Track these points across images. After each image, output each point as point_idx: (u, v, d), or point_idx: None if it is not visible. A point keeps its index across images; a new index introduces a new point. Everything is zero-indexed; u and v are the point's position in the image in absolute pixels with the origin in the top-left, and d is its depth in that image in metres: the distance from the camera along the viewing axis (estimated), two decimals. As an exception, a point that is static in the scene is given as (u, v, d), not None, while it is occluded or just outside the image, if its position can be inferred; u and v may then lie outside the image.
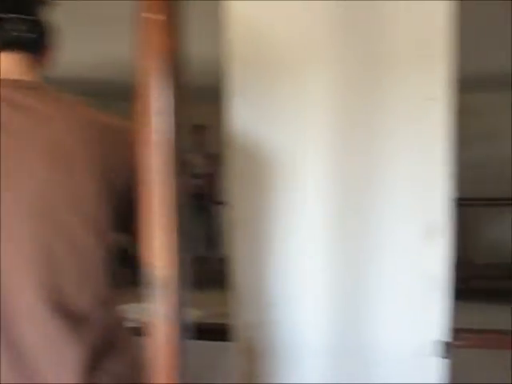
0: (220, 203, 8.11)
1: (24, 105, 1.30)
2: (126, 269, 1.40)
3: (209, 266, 7.29)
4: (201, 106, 5.90)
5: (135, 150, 0.87)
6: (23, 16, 1.35)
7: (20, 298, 1.24)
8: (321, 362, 2.00)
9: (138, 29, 0.79)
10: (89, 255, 1.29)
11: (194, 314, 2.04)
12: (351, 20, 1.90)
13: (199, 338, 2.18)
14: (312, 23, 1.91)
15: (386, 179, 1.92)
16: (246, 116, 1.92)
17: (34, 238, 1.24)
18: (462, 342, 1.91)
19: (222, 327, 2.04)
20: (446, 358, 1.90)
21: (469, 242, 7.17)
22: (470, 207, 7.28)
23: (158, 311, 0.78)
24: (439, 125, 1.90)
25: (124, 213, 1.30)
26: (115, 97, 6.10)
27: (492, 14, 4.04)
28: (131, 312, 1.53)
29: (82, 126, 1.31)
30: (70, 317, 1.26)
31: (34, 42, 1.40)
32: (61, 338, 1.25)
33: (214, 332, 2.05)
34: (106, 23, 4.57)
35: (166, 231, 0.76)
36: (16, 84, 1.34)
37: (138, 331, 1.21)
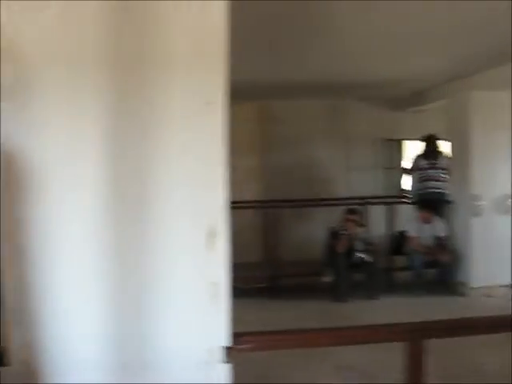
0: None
1: None
2: None
3: None
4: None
5: None
6: None
7: None
8: (102, 377, 1.90)
9: None
10: None
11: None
12: (127, 22, 1.83)
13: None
14: (84, 24, 1.81)
15: (164, 185, 1.87)
16: (12, 122, 1.77)
17: None
18: (243, 345, 1.93)
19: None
20: (227, 362, 1.91)
21: (279, 241, 7.46)
22: (278, 209, 7.58)
23: None
24: (217, 129, 1.89)
25: None
26: None
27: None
28: None
29: None
30: None
31: None
32: None
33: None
34: None
35: None
36: None
37: None
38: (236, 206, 7.86)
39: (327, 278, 6.93)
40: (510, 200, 7.01)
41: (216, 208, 1.90)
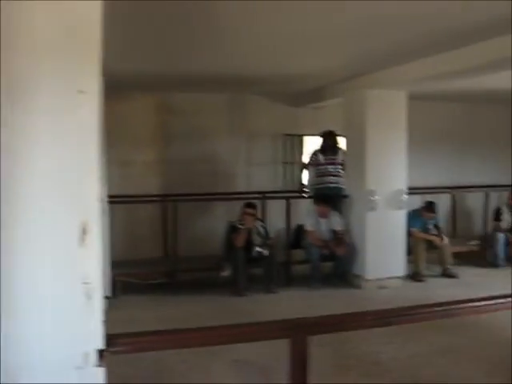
0: None
1: None
2: None
3: None
4: None
5: None
6: None
7: None
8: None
9: None
10: None
11: None
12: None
13: None
14: None
15: (32, 180, 1.74)
16: None
17: None
18: (118, 347, 1.83)
19: None
20: (100, 366, 1.80)
21: (179, 236, 7.34)
22: (179, 203, 7.46)
23: None
24: (89, 120, 1.78)
25: None
26: None
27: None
28: None
29: None
30: None
31: None
32: None
33: None
34: None
35: None
36: None
37: None
38: (134, 200, 7.75)
39: (226, 273, 6.90)
40: (403, 195, 7.27)
41: (88, 204, 1.79)
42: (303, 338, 2.10)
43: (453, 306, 2.64)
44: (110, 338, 1.83)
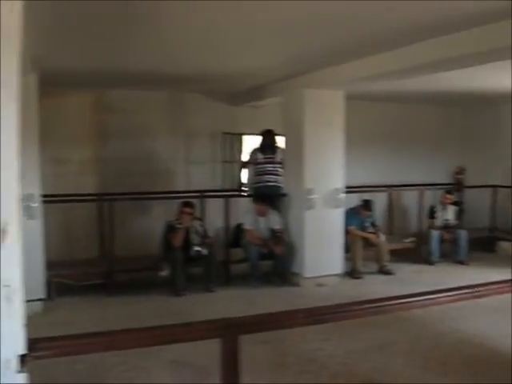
0: None
1: None
2: None
3: None
4: None
5: None
6: None
7: None
8: None
9: None
10: None
11: None
12: None
13: None
14: None
15: None
16: None
17: None
18: (41, 352, 1.76)
19: None
20: (22, 372, 1.73)
21: (117, 236, 7.16)
22: (115, 201, 7.28)
23: None
24: (8, 116, 1.69)
25: None
26: None
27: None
28: None
29: None
30: None
31: None
32: None
33: None
34: None
35: None
36: None
37: None
38: (70, 199, 7.54)
39: (164, 273, 6.80)
40: (340, 194, 7.36)
41: (7, 203, 1.71)
42: (234, 338, 2.08)
43: (384, 303, 2.67)
44: (33, 343, 1.75)
